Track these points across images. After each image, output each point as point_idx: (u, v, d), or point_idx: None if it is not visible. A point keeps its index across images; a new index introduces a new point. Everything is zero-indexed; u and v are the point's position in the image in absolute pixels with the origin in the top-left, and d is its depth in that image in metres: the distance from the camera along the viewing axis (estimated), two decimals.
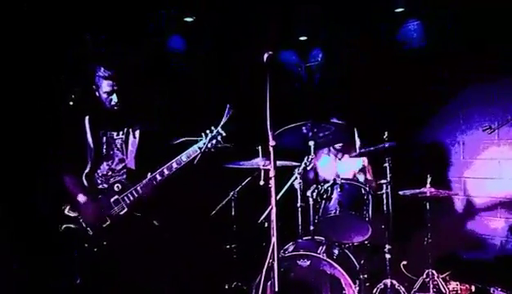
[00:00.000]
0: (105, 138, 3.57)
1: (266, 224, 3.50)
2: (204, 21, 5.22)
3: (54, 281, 3.97)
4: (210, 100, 5.16)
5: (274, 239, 2.69)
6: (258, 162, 4.09)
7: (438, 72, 5.22)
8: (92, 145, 3.53)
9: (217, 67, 5.46)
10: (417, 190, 4.25)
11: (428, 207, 4.28)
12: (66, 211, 3.46)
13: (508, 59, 4.66)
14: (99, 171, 3.54)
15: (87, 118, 3.55)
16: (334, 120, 4.77)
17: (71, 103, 4.07)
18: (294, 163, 4.02)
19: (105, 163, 3.55)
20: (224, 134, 3.39)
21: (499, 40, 4.67)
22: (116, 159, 3.56)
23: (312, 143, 3.86)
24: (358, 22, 5.24)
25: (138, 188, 3.43)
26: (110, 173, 3.54)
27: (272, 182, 2.69)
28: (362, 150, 4.34)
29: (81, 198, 3.45)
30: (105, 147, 3.56)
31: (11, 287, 4.01)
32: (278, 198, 2.93)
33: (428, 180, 4.24)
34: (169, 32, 5.27)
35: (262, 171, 3.35)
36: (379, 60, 5.38)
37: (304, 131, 3.88)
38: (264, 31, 5.14)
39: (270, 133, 2.68)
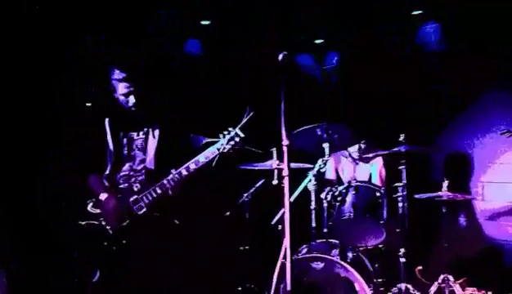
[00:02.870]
0: (125, 139, 3.57)
1: (279, 227, 3.47)
2: (217, 23, 5.23)
3: (54, 281, 4.02)
4: (224, 102, 5.16)
5: (287, 241, 2.66)
6: (272, 163, 4.07)
7: (458, 74, 5.16)
8: (111, 147, 3.54)
9: (231, 68, 5.47)
10: (433, 194, 4.20)
11: (444, 211, 4.23)
12: (89, 208, 3.48)
13: None
14: (121, 172, 3.55)
15: (106, 120, 3.57)
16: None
17: (89, 104, 4.10)
18: (309, 165, 3.99)
19: (127, 164, 3.56)
20: (242, 135, 3.36)
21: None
22: (137, 160, 3.56)
23: (326, 145, 3.82)
24: (370, 23, 5.20)
25: (157, 188, 3.43)
26: (131, 173, 3.55)
27: (286, 181, 2.66)
28: (378, 152, 4.30)
29: (102, 196, 3.47)
30: (126, 148, 3.56)
31: (11, 287, 4.03)
32: (292, 199, 2.90)
33: (445, 183, 4.18)
34: (185, 34, 5.30)
35: (276, 171, 3.34)
36: (394, 61, 5.34)
37: (319, 132, 3.85)
38: (272, 31, 5.14)
39: (283, 132, 2.66)
